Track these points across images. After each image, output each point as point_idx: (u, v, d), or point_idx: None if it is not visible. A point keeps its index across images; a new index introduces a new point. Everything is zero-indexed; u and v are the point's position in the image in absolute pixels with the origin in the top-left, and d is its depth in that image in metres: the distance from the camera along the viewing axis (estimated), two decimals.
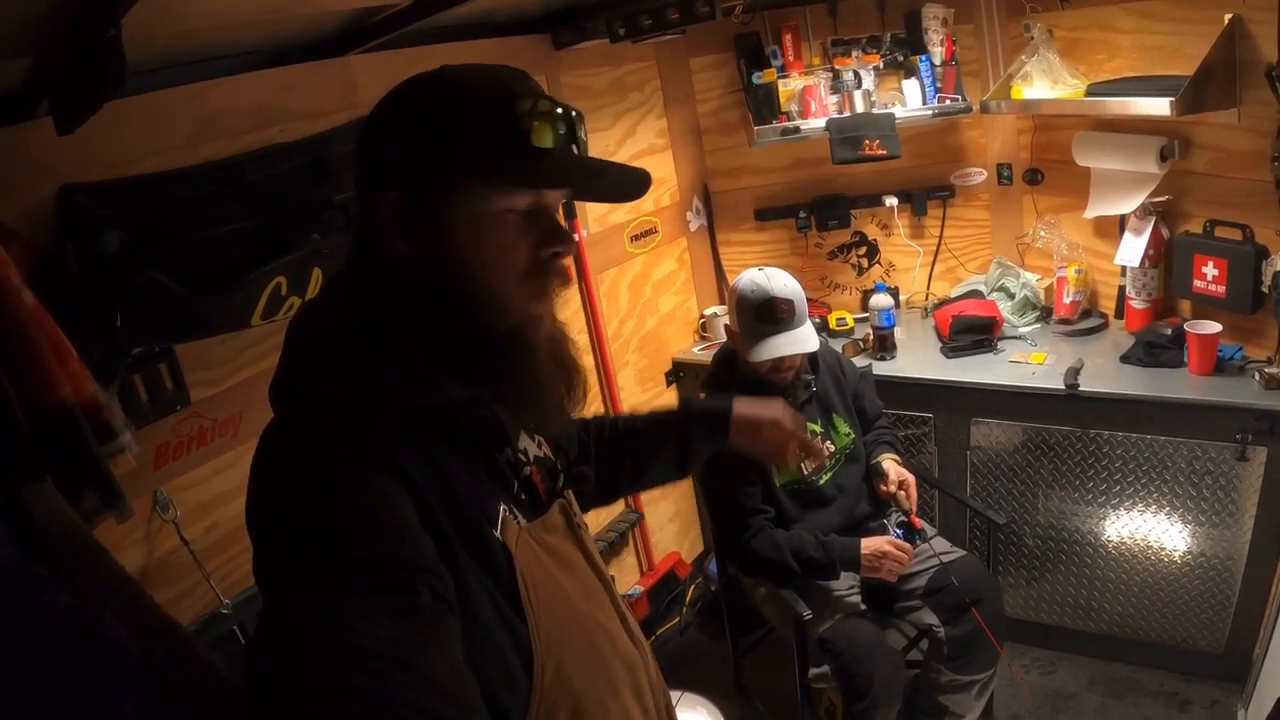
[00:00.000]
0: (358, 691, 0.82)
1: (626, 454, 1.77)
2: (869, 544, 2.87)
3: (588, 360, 3.86)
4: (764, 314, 2.86)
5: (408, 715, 0.82)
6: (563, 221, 1.22)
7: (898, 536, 2.96)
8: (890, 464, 3.11)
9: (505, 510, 1.21)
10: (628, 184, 1.27)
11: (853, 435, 3.15)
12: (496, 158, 1.12)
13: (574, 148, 1.18)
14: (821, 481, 3.05)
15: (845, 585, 2.97)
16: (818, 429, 3.08)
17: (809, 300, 3.98)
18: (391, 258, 1.15)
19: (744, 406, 1.92)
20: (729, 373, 3.10)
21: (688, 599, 4.39)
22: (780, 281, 2.90)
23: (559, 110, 1.15)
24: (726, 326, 3.04)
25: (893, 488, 3.03)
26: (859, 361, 3.67)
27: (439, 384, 1.16)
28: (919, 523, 3.00)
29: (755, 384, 2.97)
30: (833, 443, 3.10)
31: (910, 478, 3.05)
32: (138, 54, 1.85)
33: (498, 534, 1.18)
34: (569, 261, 1.26)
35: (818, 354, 3.13)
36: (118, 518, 1.90)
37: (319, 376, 1.13)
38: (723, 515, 3.07)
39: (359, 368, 1.12)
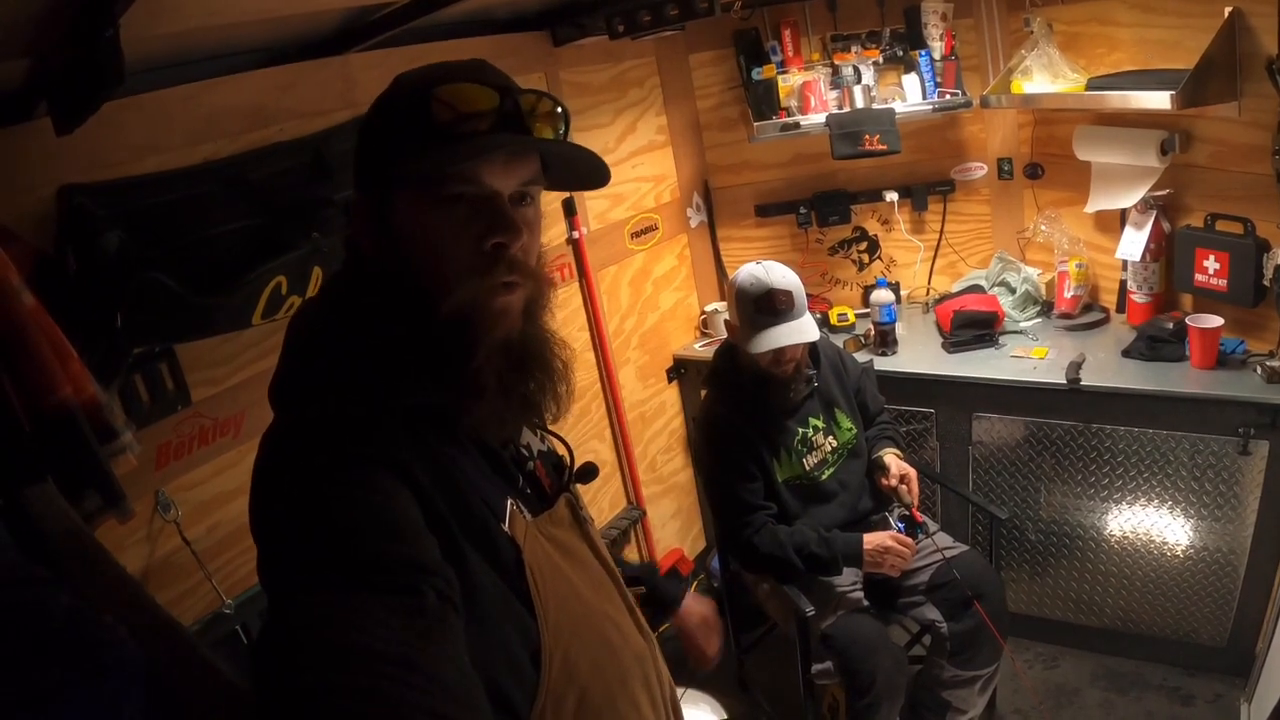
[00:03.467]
0: (363, 692, 0.82)
1: None
2: (871, 539, 2.87)
3: (589, 357, 3.88)
4: (763, 306, 2.85)
5: (412, 716, 0.83)
6: (508, 211, 1.16)
7: (899, 531, 2.96)
8: (891, 459, 3.11)
9: (512, 505, 1.21)
10: (582, 167, 1.26)
11: (855, 430, 3.15)
12: (410, 147, 1.12)
13: (554, 133, 1.19)
14: (824, 477, 3.05)
15: (848, 581, 2.97)
16: (820, 424, 3.08)
17: (810, 296, 3.98)
18: (362, 256, 1.19)
19: (691, 604, 2.03)
20: (731, 368, 3.10)
21: None
22: (779, 273, 2.90)
23: (488, 92, 1.14)
24: (727, 322, 3.04)
25: (894, 482, 3.02)
26: (860, 357, 3.67)
27: (435, 383, 1.16)
28: (920, 517, 3.00)
29: (757, 378, 2.98)
30: (835, 438, 3.10)
31: (911, 472, 3.05)
32: (136, 54, 1.85)
33: (505, 528, 1.18)
34: (525, 254, 1.19)
35: (819, 349, 3.14)
36: (119, 518, 1.90)
37: (318, 376, 1.14)
38: (724, 511, 3.06)
39: (358, 367, 1.12)
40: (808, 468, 3.04)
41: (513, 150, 1.16)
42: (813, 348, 3.10)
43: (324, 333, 1.18)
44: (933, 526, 3.12)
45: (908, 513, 2.99)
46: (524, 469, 1.31)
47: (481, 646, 1.06)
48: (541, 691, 1.16)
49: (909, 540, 2.89)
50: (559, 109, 1.20)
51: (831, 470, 3.07)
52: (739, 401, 3.02)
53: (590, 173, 1.28)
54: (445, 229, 1.13)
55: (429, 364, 1.15)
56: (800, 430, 3.05)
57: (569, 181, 1.32)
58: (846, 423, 3.14)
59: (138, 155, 2.21)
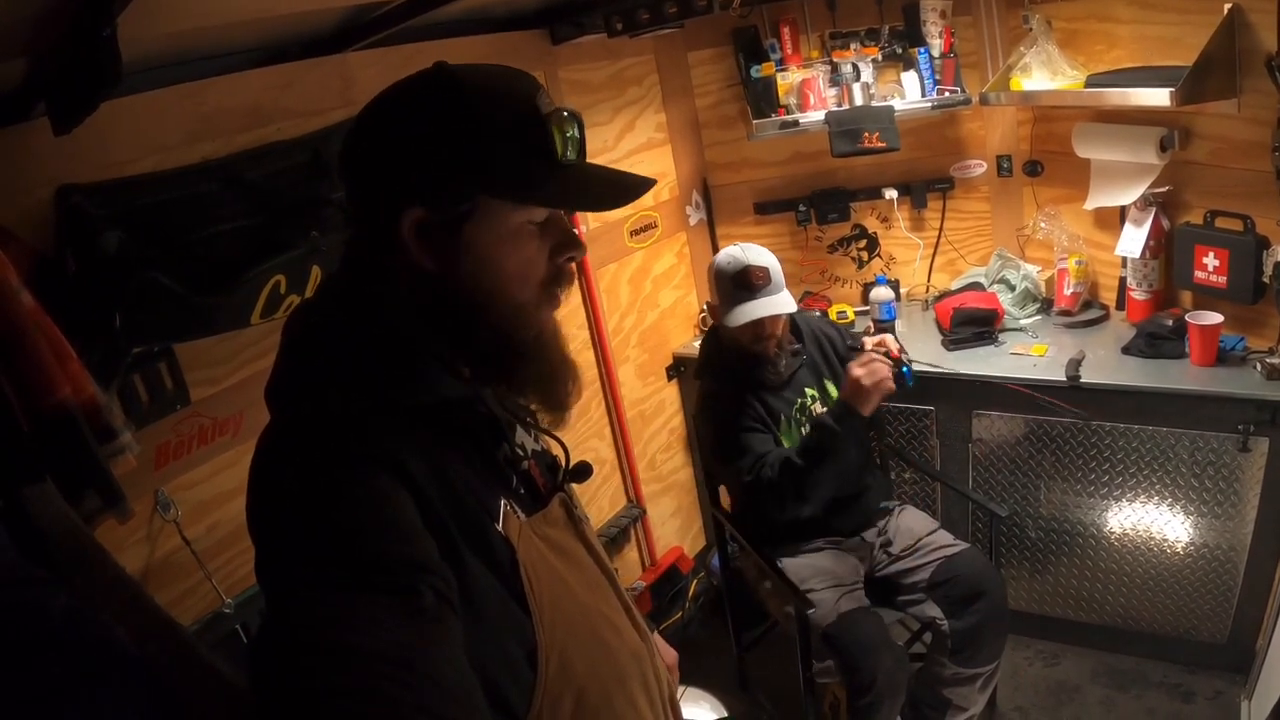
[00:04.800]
0: (362, 693, 0.82)
1: None
2: (844, 387, 2.86)
3: (588, 355, 3.88)
4: (740, 281, 2.90)
5: (412, 716, 0.83)
6: (574, 229, 1.24)
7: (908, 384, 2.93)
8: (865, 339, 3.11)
9: (506, 505, 1.21)
10: (631, 189, 1.28)
11: None
12: (527, 177, 1.13)
13: (583, 155, 1.20)
14: None
15: (849, 580, 2.97)
16: (814, 393, 3.11)
17: (809, 293, 3.98)
18: (411, 271, 1.15)
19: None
20: (717, 352, 3.16)
21: (690, 594, 4.38)
22: (755, 252, 2.96)
23: (575, 121, 1.17)
24: (709, 305, 3.11)
25: (868, 344, 3.01)
26: None
27: (435, 383, 1.17)
28: (897, 353, 2.94)
29: (742, 357, 3.02)
30: (828, 407, 3.10)
31: (886, 336, 3.06)
32: (134, 53, 1.85)
33: (500, 528, 1.18)
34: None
35: (800, 323, 3.19)
36: (119, 518, 1.90)
37: (315, 377, 1.13)
38: (735, 467, 2.99)
39: (355, 368, 1.12)
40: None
41: (626, 183, 1.24)
42: (795, 323, 3.15)
43: (323, 331, 1.18)
44: (933, 525, 3.14)
45: (889, 357, 2.93)
46: (518, 469, 1.31)
47: (479, 647, 1.06)
48: (538, 692, 1.16)
49: (870, 354, 2.85)
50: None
51: None
52: (733, 382, 3.06)
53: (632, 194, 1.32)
54: (528, 245, 1.18)
55: (501, 371, 1.23)
56: (798, 400, 3.08)
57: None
58: (836, 392, 3.16)
59: (136, 155, 2.20)
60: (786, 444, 3.03)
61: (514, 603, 1.16)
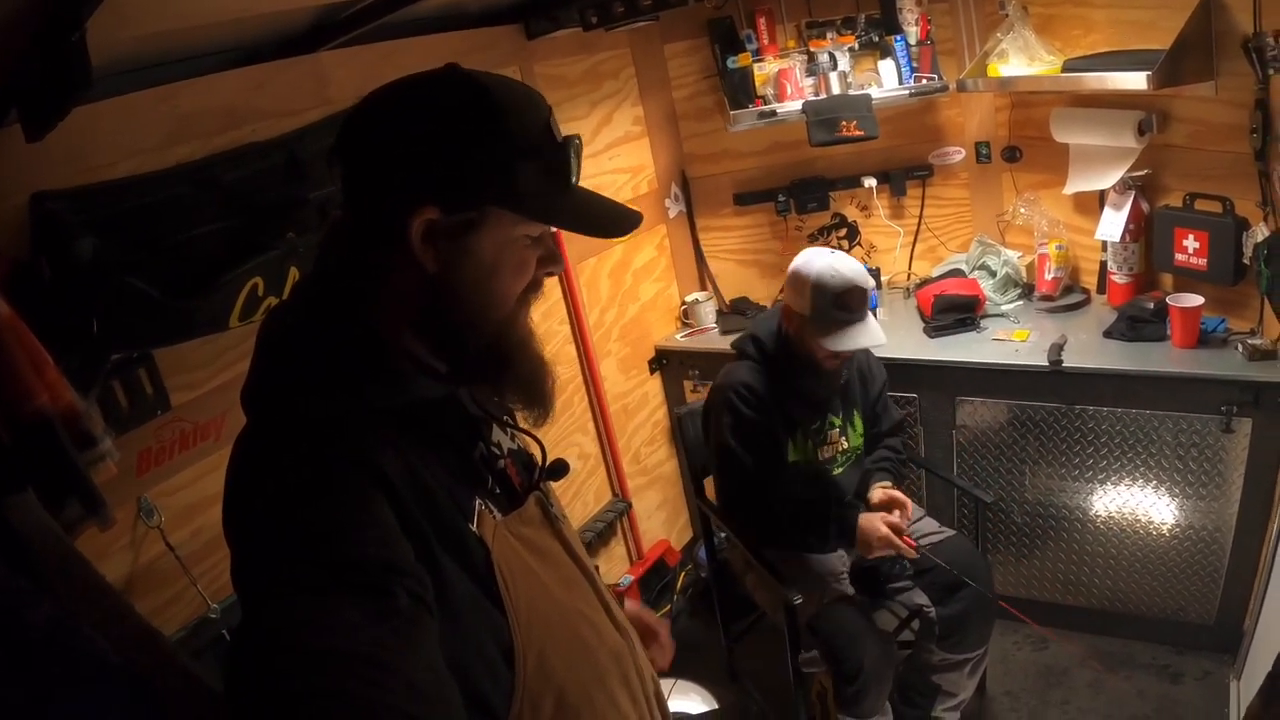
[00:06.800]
0: (337, 694, 0.83)
1: None
2: (865, 523, 2.85)
3: (569, 350, 3.89)
4: (843, 302, 2.78)
5: (387, 717, 0.84)
6: (555, 242, 1.26)
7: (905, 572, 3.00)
8: (879, 490, 3.07)
9: (480, 505, 1.22)
10: (625, 220, 1.31)
11: (863, 440, 3.17)
12: (545, 196, 1.17)
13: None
14: (835, 471, 3.07)
15: (836, 570, 2.97)
16: (839, 421, 3.09)
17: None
18: (408, 269, 1.14)
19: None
20: (781, 350, 3.00)
21: (678, 586, 4.39)
22: (857, 268, 2.84)
23: (578, 144, 1.23)
24: (785, 306, 2.96)
25: (877, 496, 3.03)
26: None
27: (409, 383, 1.17)
28: (915, 547, 2.90)
29: (803, 364, 2.94)
30: (847, 440, 3.11)
31: (902, 497, 3.02)
32: (105, 57, 1.83)
33: (474, 528, 1.19)
34: None
35: None
36: (100, 526, 1.88)
37: (290, 379, 1.13)
38: (733, 478, 3.05)
39: (330, 369, 1.12)
40: (821, 458, 3.06)
41: (616, 213, 1.31)
42: None
43: (297, 332, 1.17)
44: (919, 513, 3.15)
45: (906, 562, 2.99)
46: (494, 468, 1.31)
47: (457, 648, 1.07)
48: (518, 692, 1.17)
49: (896, 526, 2.85)
50: None
51: (841, 469, 3.08)
52: (772, 378, 2.98)
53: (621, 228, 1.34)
54: (523, 258, 1.20)
55: (488, 373, 1.24)
56: (819, 420, 3.04)
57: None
58: (860, 427, 3.15)
59: (110, 159, 2.18)
60: (793, 458, 3.02)
61: (489, 603, 1.17)
